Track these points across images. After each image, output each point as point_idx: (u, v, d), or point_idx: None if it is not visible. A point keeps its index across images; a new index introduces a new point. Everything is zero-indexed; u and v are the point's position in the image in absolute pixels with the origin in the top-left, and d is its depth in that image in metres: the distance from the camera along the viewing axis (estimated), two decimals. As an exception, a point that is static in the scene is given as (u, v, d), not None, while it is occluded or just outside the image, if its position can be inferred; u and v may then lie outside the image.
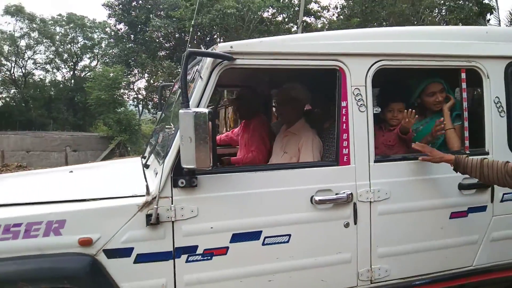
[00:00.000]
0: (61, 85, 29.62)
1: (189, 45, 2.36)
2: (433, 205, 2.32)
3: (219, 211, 1.97)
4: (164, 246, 1.89)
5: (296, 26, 20.15)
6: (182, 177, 1.88)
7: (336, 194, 2.10)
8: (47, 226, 1.75)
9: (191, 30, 15.91)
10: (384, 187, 2.20)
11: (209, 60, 1.95)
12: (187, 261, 1.92)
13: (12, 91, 29.14)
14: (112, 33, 25.40)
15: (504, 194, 2.47)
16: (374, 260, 2.23)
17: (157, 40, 21.56)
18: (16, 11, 26.29)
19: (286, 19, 19.88)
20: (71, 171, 2.67)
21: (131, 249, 1.85)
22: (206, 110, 1.75)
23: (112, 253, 1.82)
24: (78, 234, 1.77)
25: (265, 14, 18.48)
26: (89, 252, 1.79)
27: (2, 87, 28.83)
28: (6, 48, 27.23)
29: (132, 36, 22.68)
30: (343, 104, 2.15)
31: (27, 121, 24.99)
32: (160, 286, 1.88)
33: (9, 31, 27.24)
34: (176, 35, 21.04)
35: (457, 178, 2.34)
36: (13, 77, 28.66)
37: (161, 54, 22.20)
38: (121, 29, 23.46)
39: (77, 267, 1.76)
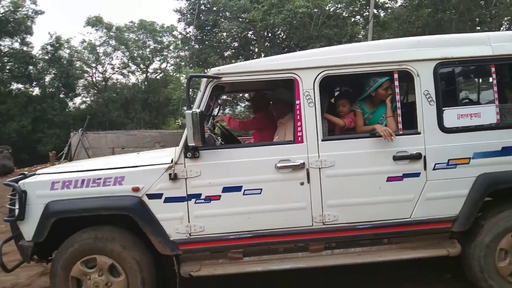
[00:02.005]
0: (135, 87, 31.92)
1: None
2: (371, 171, 3.15)
3: (213, 173, 3.10)
4: (180, 193, 3.09)
5: (362, 19, 20.30)
6: (189, 151, 3.07)
7: (293, 162, 3.11)
8: (114, 180, 3.09)
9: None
10: (329, 158, 3.11)
11: (204, 80, 3.13)
12: (195, 203, 3.10)
13: (94, 94, 32.27)
14: (180, 36, 27.22)
15: (435, 164, 3.18)
16: (325, 208, 3.15)
17: (222, 41, 22.82)
18: (95, 22, 29.62)
19: (353, 12, 20.14)
20: (138, 153, 4.08)
21: (161, 194, 3.09)
22: (197, 110, 2.91)
23: (151, 196, 3.09)
24: (131, 184, 3.09)
25: (332, 9, 18.95)
26: (137, 195, 3.07)
27: (85, 91, 32.43)
28: (87, 55, 30.85)
29: (201, 38, 23.95)
30: (297, 102, 3.15)
31: (109, 121, 27.46)
32: (179, 217, 3.11)
33: (89, 39, 30.95)
34: (244, 35, 22.27)
35: (392, 152, 3.16)
36: (94, 81, 32.18)
37: (227, 53, 23.61)
38: (189, 32, 24.73)
39: (132, 203, 3.06)
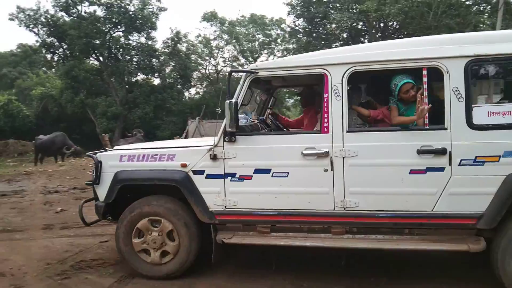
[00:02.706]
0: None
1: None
2: (394, 163, 3.29)
3: (247, 156, 3.53)
4: (219, 171, 3.58)
5: (489, 7, 18.62)
6: (227, 136, 3.54)
7: (318, 150, 3.40)
8: (167, 156, 3.71)
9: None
10: (353, 148, 3.33)
11: (244, 74, 3.57)
12: (230, 180, 3.56)
13: (207, 86, 33.75)
14: (288, 29, 27.39)
15: (461, 160, 3.21)
16: (346, 195, 3.38)
17: (331, 32, 22.61)
18: (211, 17, 31.17)
19: (478, 0, 18.63)
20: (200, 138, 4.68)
21: (204, 171, 3.62)
22: (234, 100, 3.38)
23: (195, 172, 3.63)
24: (180, 161, 3.67)
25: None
26: (185, 170, 3.65)
27: (198, 83, 34.06)
28: (202, 49, 32.42)
29: (309, 30, 23.91)
30: (325, 96, 3.42)
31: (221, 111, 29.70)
32: (217, 192, 3.60)
33: (204, 34, 32.48)
34: (354, 26, 21.89)
35: (417, 145, 3.25)
36: (207, 73, 33.69)
37: (335, 45, 23.03)
38: (298, 24, 24.89)
39: (180, 176, 3.64)
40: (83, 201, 4.13)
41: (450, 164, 3.20)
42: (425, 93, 3.26)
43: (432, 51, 3.25)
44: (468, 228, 3.25)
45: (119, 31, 28.20)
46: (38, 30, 27.14)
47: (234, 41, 31.13)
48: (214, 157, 3.56)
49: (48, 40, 27.44)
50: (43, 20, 26.70)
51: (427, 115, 3.25)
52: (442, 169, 3.23)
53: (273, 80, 3.92)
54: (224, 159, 3.57)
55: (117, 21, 27.03)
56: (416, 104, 3.30)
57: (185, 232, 3.64)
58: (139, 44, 28.78)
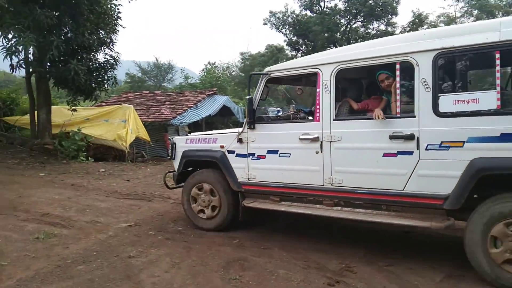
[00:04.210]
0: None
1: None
2: (370, 147, 3.75)
3: (262, 139, 4.46)
4: (244, 151, 4.61)
5: None
6: (249, 124, 4.55)
7: (311, 136, 4.10)
8: (212, 140, 4.96)
9: None
10: (337, 134, 3.93)
11: (261, 76, 4.53)
12: (251, 159, 4.56)
13: None
14: None
15: (428, 144, 3.46)
16: (333, 173, 3.99)
17: None
18: None
19: None
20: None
21: (234, 151, 4.71)
22: (249, 97, 4.39)
23: (229, 152, 4.76)
24: (220, 143, 4.86)
25: None
26: (223, 150, 4.82)
27: None
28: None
29: None
30: (318, 90, 4.09)
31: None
32: (243, 167, 4.64)
33: (449, 12, 30.19)
34: None
35: (389, 132, 3.65)
36: None
37: None
38: None
39: (219, 155, 4.82)
40: (166, 172, 5.77)
41: (418, 148, 3.53)
42: (398, 85, 3.66)
43: (404, 47, 3.61)
44: (436, 208, 3.51)
45: (358, 21, 29.22)
46: (285, 31, 30.83)
47: (485, 16, 27.21)
48: (240, 141, 4.64)
49: (293, 38, 30.81)
50: (290, 20, 30.10)
51: (398, 104, 3.66)
52: (411, 153, 3.57)
53: (284, 79, 4.75)
54: (247, 142, 4.61)
55: (356, 11, 28.20)
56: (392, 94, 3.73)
57: (224, 195, 4.84)
58: (378, 32, 28.99)
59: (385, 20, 27.79)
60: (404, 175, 3.62)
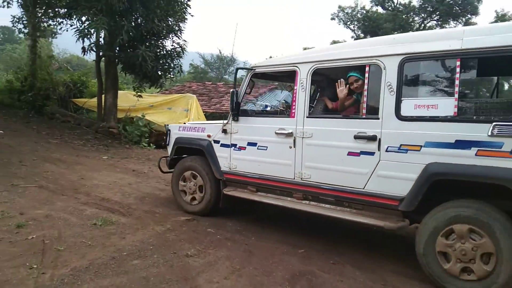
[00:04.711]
0: None
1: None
2: (336, 145, 3.87)
3: (243, 131, 4.66)
4: (228, 142, 4.82)
5: None
6: (233, 116, 4.76)
7: (285, 131, 4.26)
8: (201, 129, 5.21)
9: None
10: (309, 130, 4.07)
11: (246, 71, 4.72)
12: (233, 149, 4.77)
13: None
14: None
15: (388, 146, 3.55)
16: (303, 168, 4.14)
17: None
18: None
19: None
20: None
21: (219, 141, 4.94)
22: (234, 90, 4.59)
23: (215, 141, 4.99)
24: (207, 133, 5.12)
25: None
26: (209, 139, 5.05)
27: None
28: None
29: None
30: (295, 88, 4.23)
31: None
32: (226, 157, 4.87)
33: None
34: None
35: (354, 131, 3.76)
36: None
37: None
38: None
39: (206, 144, 5.06)
40: (160, 157, 6.10)
41: (379, 149, 3.63)
42: (366, 87, 3.76)
43: (374, 50, 3.70)
44: (392, 209, 3.61)
45: (434, 20, 27.80)
46: (353, 27, 29.97)
47: None
48: (225, 131, 4.87)
49: (361, 35, 29.96)
50: (359, 16, 29.28)
51: (365, 106, 3.76)
52: (372, 153, 3.68)
53: (268, 75, 4.90)
54: (231, 133, 4.84)
55: (432, 9, 26.97)
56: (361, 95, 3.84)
57: (208, 182, 5.08)
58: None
59: (464, 20, 26.23)
60: (365, 174, 3.73)
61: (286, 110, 5.06)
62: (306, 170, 4.16)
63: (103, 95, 12.47)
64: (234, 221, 5.04)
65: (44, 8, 12.93)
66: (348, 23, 29.32)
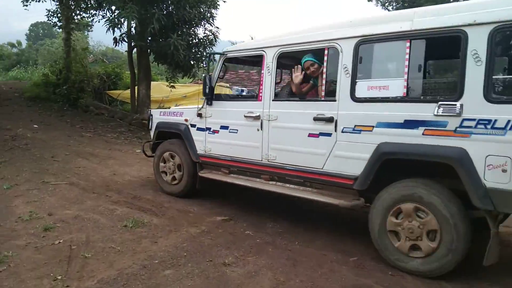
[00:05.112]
0: None
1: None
2: (298, 127, 3.98)
3: (217, 115, 4.80)
4: (203, 125, 4.97)
5: None
6: (207, 100, 4.90)
7: (253, 114, 4.38)
8: (179, 113, 5.35)
9: None
10: (274, 113, 4.18)
11: (218, 55, 4.84)
12: (208, 133, 4.91)
13: None
14: None
15: (344, 127, 3.64)
16: (269, 150, 4.26)
17: None
18: None
19: None
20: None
21: (195, 125, 5.08)
22: (206, 75, 4.72)
23: (191, 125, 5.13)
24: (185, 117, 5.26)
25: None
26: (187, 123, 5.19)
27: None
28: None
29: None
30: (262, 72, 4.33)
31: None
32: (202, 140, 5.02)
33: None
34: None
35: (313, 114, 3.85)
36: None
37: None
38: None
39: (183, 128, 5.22)
40: (144, 141, 6.28)
41: (335, 130, 3.73)
42: (325, 70, 3.84)
43: (332, 34, 3.77)
44: (348, 188, 3.72)
45: None
46: (392, 8, 28.60)
47: None
48: (200, 115, 5.02)
49: None
50: None
51: (323, 88, 3.85)
52: (330, 135, 3.77)
53: (239, 59, 5.00)
54: (205, 117, 4.98)
55: None
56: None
57: (186, 165, 5.27)
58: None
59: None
60: (324, 155, 3.83)
61: (255, 94, 5.17)
62: (272, 152, 4.28)
63: (136, 87, 12.36)
64: (274, 221, 4.58)
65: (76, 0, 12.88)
66: (386, 4, 28.18)
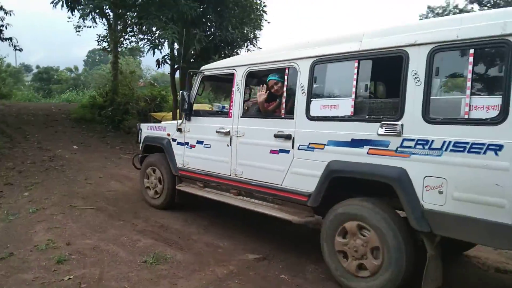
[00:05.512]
0: None
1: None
2: (261, 143, 4.07)
3: (194, 130, 4.97)
4: (182, 140, 5.15)
5: None
6: (186, 116, 5.08)
7: (224, 130, 4.51)
8: (162, 129, 5.57)
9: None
10: (242, 130, 4.30)
11: (197, 73, 5.03)
12: (186, 147, 5.09)
13: None
14: None
15: (300, 145, 3.70)
16: (237, 165, 4.37)
17: None
18: None
19: None
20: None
21: (176, 139, 5.27)
22: (182, 92, 4.92)
23: (173, 140, 5.32)
24: (167, 132, 5.45)
25: None
26: (169, 138, 5.39)
27: None
28: None
29: None
30: (233, 89, 4.47)
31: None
32: (181, 154, 5.19)
33: None
34: None
35: (274, 131, 3.93)
36: None
37: None
38: None
39: (165, 142, 5.41)
40: (135, 154, 6.53)
41: (293, 147, 3.80)
42: (285, 89, 3.94)
43: (292, 54, 3.88)
44: (303, 204, 3.75)
45: None
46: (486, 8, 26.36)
47: None
48: (179, 130, 5.21)
49: None
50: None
51: (283, 106, 3.94)
52: (288, 151, 3.84)
53: (216, 77, 5.16)
54: (184, 132, 5.17)
55: None
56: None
57: (167, 178, 5.45)
58: None
59: None
60: (283, 171, 3.90)
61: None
62: (239, 167, 4.38)
63: (178, 109, 12.64)
64: (315, 264, 3.90)
65: (121, 24, 13.21)
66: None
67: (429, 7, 27.23)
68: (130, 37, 14.11)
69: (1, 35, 13.63)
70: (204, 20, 10.53)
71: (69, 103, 19.68)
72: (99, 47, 15.79)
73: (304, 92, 3.71)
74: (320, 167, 3.54)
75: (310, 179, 3.63)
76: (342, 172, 3.38)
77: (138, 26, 11.64)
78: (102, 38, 15.09)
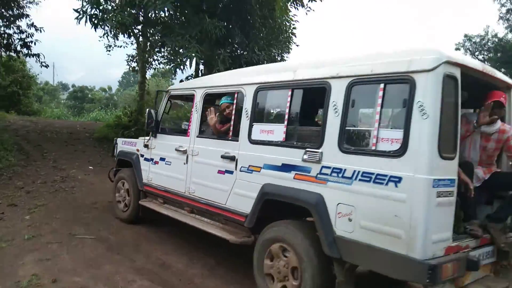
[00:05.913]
0: None
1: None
2: (210, 163, 4.25)
3: (158, 147, 5.19)
4: (148, 156, 5.38)
5: None
6: (153, 134, 5.32)
7: (182, 148, 4.71)
8: (133, 144, 5.80)
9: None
10: (196, 149, 4.49)
11: (164, 92, 5.28)
12: (151, 163, 5.30)
13: None
14: None
15: (241, 166, 3.86)
16: (190, 183, 4.54)
17: None
18: None
19: None
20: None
21: (143, 155, 5.49)
22: (149, 109, 5.17)
23: (141, 155, 5.55)
24: (136, 147, 5.68)
25: None
26: (137, 153, 5.63)
27: None
28: None
29: None
30: (192, 109, 4.69)
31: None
32: (146, 170, 5.41)
33: None
34: None
35: (222, 151, 4.11)
36: None
37: None
38: None
39: (134, 157, 5.62)
40: (111, 168, 6.79)
41: (236, 169, 3.96)
42: (233, 112, 4.14)
43: (240, 79, 4.10)
44: (242, 225, 3.89)
45: None
46: (483, 57, 26.14)
47: None
48: (146, 146, 5.44)
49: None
50: (490, 45, 25.76)
51: (231, 128, 4.13)
52: (232, 172, 4.01)
53: (181, 97, 5.40)
54: (151, 148, 5.40)
55: None
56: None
57: (133, 192, 5.67)
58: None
59: None
60: (227, 191, 4.06)
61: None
62: (192, 185, 4.56)
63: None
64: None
65: (148, 43, 13.15)
66: (477, 53, 25.44)
67: (466, 36, 26.44)
68: (158, 58, 14.30)
69: (29, 50, 14.29)
70: (229, 40, 10.27)
71: (96, 122, 19.84)
72: (127, 67, 15.99)
73: (248, 116, 3.89)
74: (256, 189, 3.69)
75: (247, 200, 3.78)
76: (272, 195, 3.52)
77: (161, 44, 11.52)
78: (132, 58, 15.39)
